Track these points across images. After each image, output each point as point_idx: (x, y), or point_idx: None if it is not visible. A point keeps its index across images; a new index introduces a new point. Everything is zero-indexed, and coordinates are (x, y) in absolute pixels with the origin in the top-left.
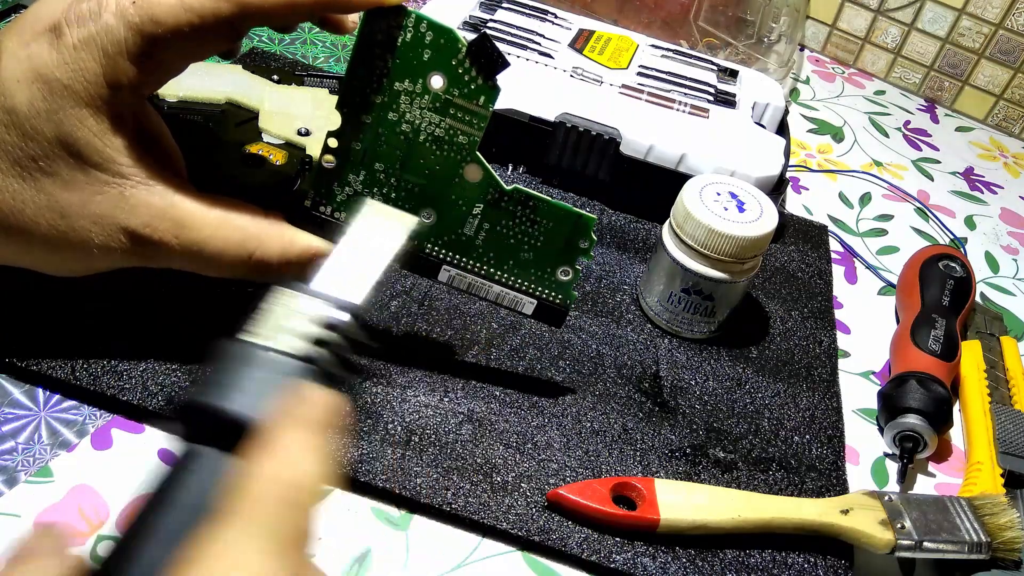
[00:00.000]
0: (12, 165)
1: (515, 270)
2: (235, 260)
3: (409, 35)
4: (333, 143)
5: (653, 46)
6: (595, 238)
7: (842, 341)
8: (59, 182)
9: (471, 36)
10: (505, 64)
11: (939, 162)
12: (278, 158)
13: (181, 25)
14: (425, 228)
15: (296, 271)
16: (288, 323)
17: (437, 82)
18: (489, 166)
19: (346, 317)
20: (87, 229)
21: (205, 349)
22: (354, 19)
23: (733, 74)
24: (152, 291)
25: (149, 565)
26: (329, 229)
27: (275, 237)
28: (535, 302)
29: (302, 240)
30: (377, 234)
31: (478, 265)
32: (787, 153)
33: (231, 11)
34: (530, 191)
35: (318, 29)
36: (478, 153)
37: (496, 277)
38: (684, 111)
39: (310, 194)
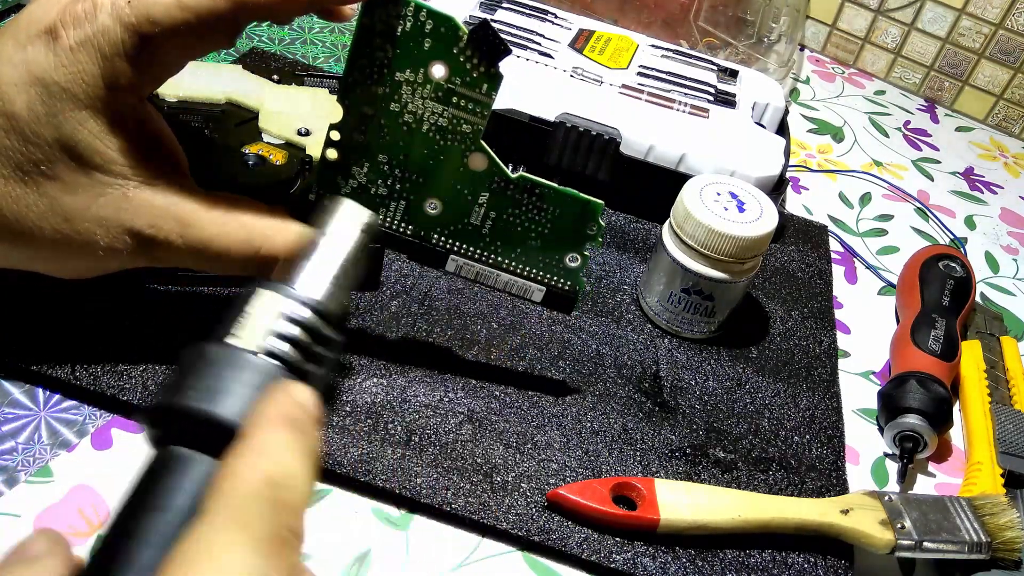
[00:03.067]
0: (14, 170)
1: (523, 257)
2: (242, 256)
3: (409, 24)
4: (335, 136)
5: (653, 46)
6: (603, 224)
7: (842, 341)
8: (61, 186)
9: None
10: (507, 51)
11: (939, 162)
12: (278, 158)
13: (178, 23)
14: (432, 217)
15: None
16: (261, 322)
17: (439, 71)
18: (494, 154)
19: (307, 313)
20: (92, 232)
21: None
22: (353, 8)
23: (733, 74)
24: (152, 291)
25: (144, 568)
26: None
27: (280, 232)
28: (544, 289)
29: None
30: (338, 230)
31: (485, 254)
32: (787, 153)
33: (228, 7)
34: (536, 178)
35: (318, 28)
36: (483, 142)
37: (504, 265)
38: (684, 111)
39: (314, 187)
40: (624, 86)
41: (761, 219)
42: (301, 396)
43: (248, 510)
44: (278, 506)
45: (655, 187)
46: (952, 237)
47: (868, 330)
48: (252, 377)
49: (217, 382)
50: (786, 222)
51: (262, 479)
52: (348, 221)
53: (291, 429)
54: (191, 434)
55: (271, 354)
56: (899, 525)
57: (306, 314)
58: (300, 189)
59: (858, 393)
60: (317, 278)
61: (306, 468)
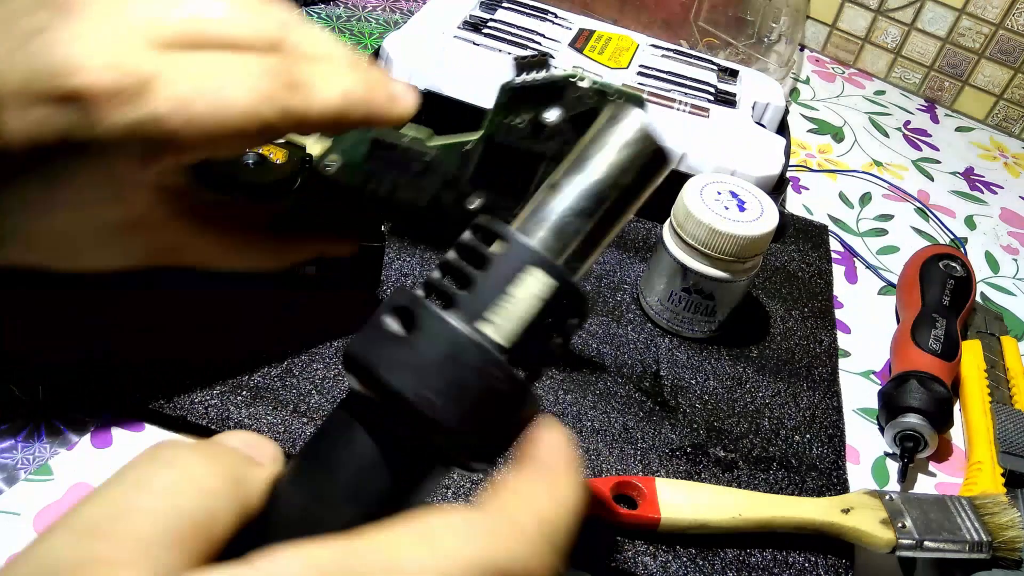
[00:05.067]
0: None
1: None
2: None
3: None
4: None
5: (653, 46)
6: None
7: (842, 341)
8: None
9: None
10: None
11: (939, 162)
12: (278, 156)
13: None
14: None
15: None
16: (523, 314)
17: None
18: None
19: (577, 318)
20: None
21: (207, 347)
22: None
23: (733, 74)
24: (152, 290)
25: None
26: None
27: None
28: None
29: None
30: (617, 164)
31: None
32: (787, 153)
33: (286, 125)
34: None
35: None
36: None
37: None
38: (684, 111)
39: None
40: (624, 86)
41: (761, 218)
42: (560, 434)
43: (542, 540)
44: (558, 546)
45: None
46: (952, 237)
47: (868, 330)
48: (498, 389)
49: (461, 384)
50: (786, 222)
51: (553, 518)
52: (628, 147)
53: (573, 472)
54: (415, 425)
55: (523, 356)
56: (900, 524)
57: (571, 312)
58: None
59: (858, 393)
60: (587, 246)
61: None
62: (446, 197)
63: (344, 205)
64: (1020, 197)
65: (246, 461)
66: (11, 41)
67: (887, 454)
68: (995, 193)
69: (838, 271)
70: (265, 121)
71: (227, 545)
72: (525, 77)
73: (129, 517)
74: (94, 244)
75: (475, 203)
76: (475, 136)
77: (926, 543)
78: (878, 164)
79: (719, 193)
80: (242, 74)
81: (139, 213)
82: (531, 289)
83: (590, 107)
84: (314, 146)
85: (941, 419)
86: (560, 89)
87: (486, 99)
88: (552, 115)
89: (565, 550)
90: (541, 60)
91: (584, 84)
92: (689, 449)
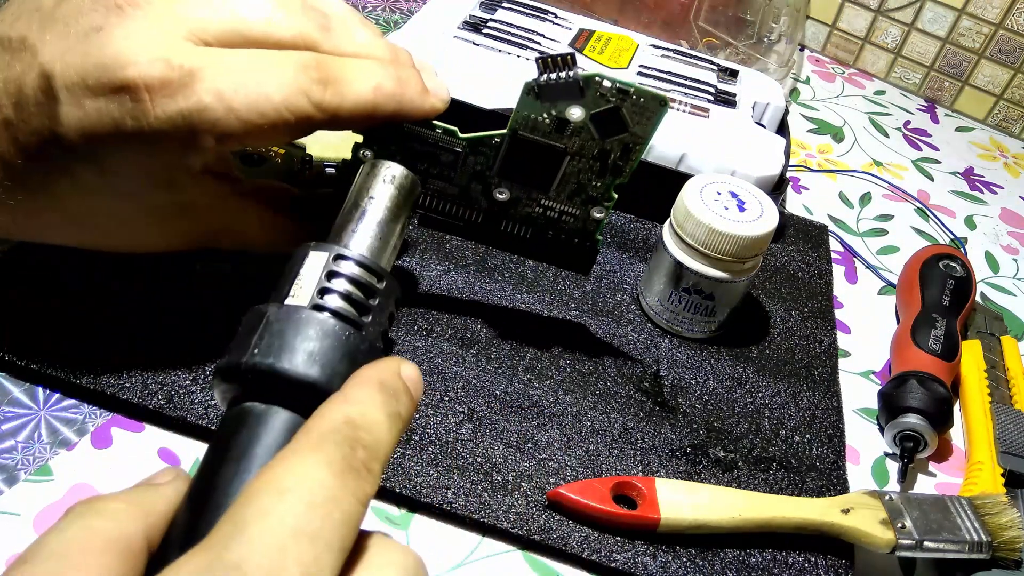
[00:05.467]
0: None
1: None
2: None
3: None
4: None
5: (653, 46)
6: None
7: (842, 341)
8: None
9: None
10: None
11: (939, 162)
12: (278, 156)
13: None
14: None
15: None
16: (311, 280)
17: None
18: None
19: (354, 268)
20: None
21: (207, 348)
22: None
23: (733, 74)
24: (152, 290)
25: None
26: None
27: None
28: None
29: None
30: (375, 188)
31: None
32: (787, 153)
33: (321, 118)
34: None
35: None
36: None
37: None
38: (684, 111)
39: (363, 152)
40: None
41: (761, 218)
42: (397, 366)
43: (325, 440)
44: (354, 442)
45: (655, 187)
46: (952, 237)
47: (868, 330)
48: (312, 332)
49: (281, 340)
50: (786, 222)
51: (342, 419)
52: (382, 180)
53: (379, 389)
54: (262, 390)
55: (324, 309)
56: (899, 524)
57: (353, 269)
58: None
59: (858, 393)
60: (359, 235)
61: (387, 422)
62: (475, 188)
63: None
64: (1020, 197)
65: (145, 485)
66: (68, 39)
67: (887, 454)
68: (995, 193)
69: (838, 271)
70: (300, 113)
71: (150, 559)
72: (550, 75)
73: (51, 545)
74: (143, 226)
75: (503, 194)
76: (503, 131)
77: (926, 543)
78: (878, 164)
79: (719, 193)
80: (279, 69)
81: (185, 198)
82: (308, 263)
83: (613, 106)
84: (314, 145)
85: (941, 419)
86: (583, 88)
87: (486, 99)
88: (575, 113)
89: (353, 437)
90: (565, 59)
91: (607, 84)
92: (689, 449)
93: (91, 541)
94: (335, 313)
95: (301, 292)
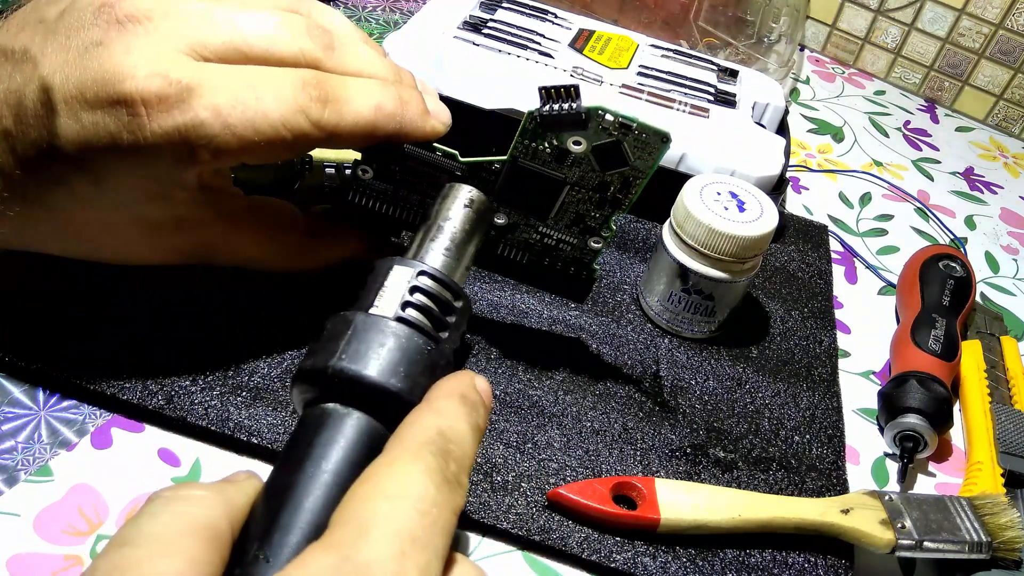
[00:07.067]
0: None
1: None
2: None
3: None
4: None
5: (653, 46)
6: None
7: (842, 341)
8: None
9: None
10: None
11: (939, 162)
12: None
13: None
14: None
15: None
16: (395, 293)
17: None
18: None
19: (431, 283)
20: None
21: (207, 348)
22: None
23: (733, 74)
24: (152, 291)
25: (310, 511)
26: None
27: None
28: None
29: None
30: (450, 209)
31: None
32: (787, 153)
33: (319, 136)
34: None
35: None
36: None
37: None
38: (684, 111)
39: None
40: (624, 86)
41: (761, 219)
42: (473, 380)
43: (423, 450)
44: (447, 454)
45: (655, 187)
46: (952, 237)
47: (868, 330)
48: (397, 343)
49: (368, 347)
50: (786, 222)
51: (435, 430)
52: (461, 203)
53: (462, 401)
54: (345, 394)
55: (407, 321)
56: (899, 525)
57: (435, 286)
58: (303, 187)
59: (858, 393)
60: (437, 254)
61: (471, 434)
62: None
63: (376, 210)
64: (1020, 197)
65: (224, 480)
66: (69, 52)
67: (887, 454)
68: (995, 193)
69: (838, 271)
70: (297, 131)
71: (233, 544)
72: (552, 105)
73: (145, 528)
74: (137, 240)
75: (501, 220)
76: (503, 157)
77: (926, 543)
78: (878, 164)
79: (719, 193)
80: (278, 86)
81: (181, 213)
82: (392, 276)
83: (614, 139)
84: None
85: (941, 419)
86: (586, 120)
87: (486, 99)
88: (576, 145)
89: (446, 450)
90: (568, 90)
91: (609, 117)
92: (689, 450)
93: (182, 526)
94: (417, 327)
95: (385, 303)
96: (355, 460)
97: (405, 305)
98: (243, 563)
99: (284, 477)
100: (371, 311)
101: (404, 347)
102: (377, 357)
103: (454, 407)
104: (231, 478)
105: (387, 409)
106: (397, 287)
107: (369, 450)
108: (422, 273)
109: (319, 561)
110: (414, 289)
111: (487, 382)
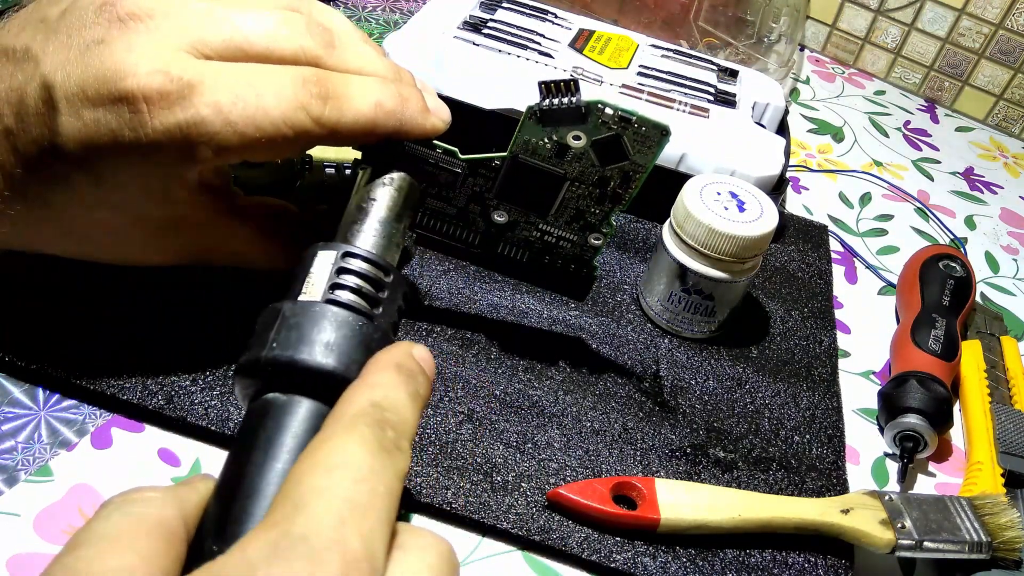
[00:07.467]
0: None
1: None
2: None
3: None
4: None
5: (653, 46)
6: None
7: (842, 341)
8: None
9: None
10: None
11: (939, 162)
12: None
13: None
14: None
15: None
16: (322, 277)
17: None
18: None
19: (361, 263)
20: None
21: (207, 348)
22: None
23: (733, 74)
24: (152, 291)
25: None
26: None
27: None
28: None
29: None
30: (376, 192)
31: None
32: (787, 153)
33: (320, 133)
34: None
35: None
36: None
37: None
38: (684, 111)
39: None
40: (624, 86)
41: (761, 219)
42: (410, 349)
43: (356, 422)
44: (383, 423)
45: (655, 187)
46: (952, 237)
47: (868, 330)
48: (327, 324)
49: (299, 332)
50: (786, 222)
51: (368, 402)
52: (382, 183)
53: (397, 371)
54: (283, 382)
55: (337, 303)
56: (899, 525)
57: (361, 264)
58: (303, 187)
59: (858, 393)
60: (365, 234)
61: (409, 401)
62: (473, 210)
63: None
64: (1020, 197)
65: (180, 483)
66: (70, 51)
67: (887, 454)
68: (995, 193)
69: (838, 271)
70: (298, 128)
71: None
72: (552, 100)
73: (97, 529)
74: (138, 240)
75: (501, 217)
76: (503, 154)
77: (926, 543)
78: (878, 164)
79: (719, 193)
80: (278, 83)
81: (181, 212)
82: (318, 261)
83: (614, 133)
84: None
85: (941, 419)
86: (585, 114)
87: (486, 99)
88: (576, 140)
89: (381, 419)
90: (568, 84)
91: (609, 111)
92: (689, 449)
93: (135, 525)
94: (347, 306)
95: (313, 288)
96: (302, 444)
97: (334, 287)
98: (200, 560)
99: (233, 471)
100: (300, 298)
101: (335, 326)
102: (308, 341)
103: (388, 377)
104: (185, 481)
105: (327, 388)
106: (323, 271)
107: (315, 432)
108: (347, 254)
109: (258, 540)
110: (341, 270)
111: (427, 350)
